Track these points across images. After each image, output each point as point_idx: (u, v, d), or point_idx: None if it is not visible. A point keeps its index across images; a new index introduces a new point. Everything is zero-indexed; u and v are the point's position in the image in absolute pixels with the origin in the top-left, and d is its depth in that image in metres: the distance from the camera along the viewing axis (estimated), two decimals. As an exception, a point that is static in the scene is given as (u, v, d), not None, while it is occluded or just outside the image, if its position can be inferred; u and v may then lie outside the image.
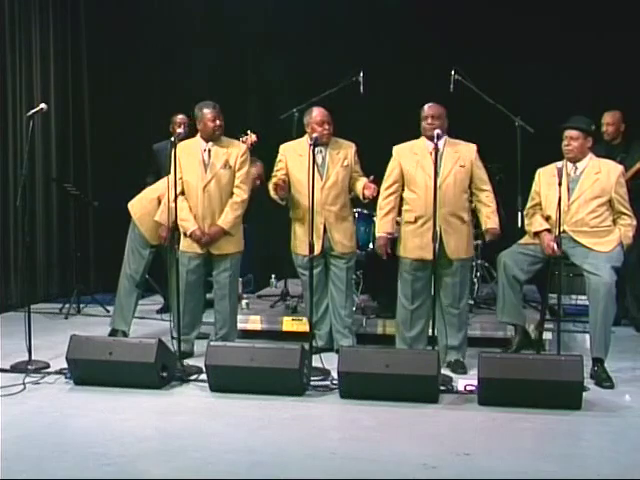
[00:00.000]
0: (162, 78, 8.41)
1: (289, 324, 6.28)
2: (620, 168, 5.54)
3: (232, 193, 5.75)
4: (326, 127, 5.72)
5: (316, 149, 5.65)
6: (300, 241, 5.76)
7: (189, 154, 5.68)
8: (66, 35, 8.33)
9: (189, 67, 8.50)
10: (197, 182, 5.65)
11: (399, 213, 5.59)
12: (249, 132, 6.83)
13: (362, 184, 5.79)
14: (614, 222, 5.46)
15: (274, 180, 5.82)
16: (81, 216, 7.95)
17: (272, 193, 5.81)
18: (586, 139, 5.48)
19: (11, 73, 7.64)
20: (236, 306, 6.04)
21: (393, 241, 5.62)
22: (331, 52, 7.96)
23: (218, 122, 5.69)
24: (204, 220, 5.70)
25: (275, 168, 5.87)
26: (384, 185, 5.57)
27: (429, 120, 5.39)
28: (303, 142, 5.81)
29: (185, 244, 5.71)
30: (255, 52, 8.50)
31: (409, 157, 5.47)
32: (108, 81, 8.46)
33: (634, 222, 5.49)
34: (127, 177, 7.95)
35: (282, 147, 5.92)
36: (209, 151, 5.71)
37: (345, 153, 5.79)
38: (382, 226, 5.54)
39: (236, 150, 5.77)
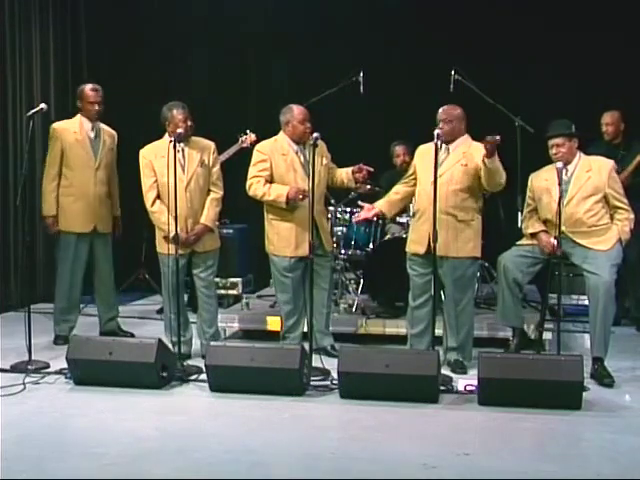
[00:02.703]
0: (162, 78, 8.40)
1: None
2: (611, 163, 5.54)
3: (209, 190, 5.78)
4: (308, 125, 5.65)
5: (297, 148, 5.68)
6: (288, 242, 5.68)
7: (162, 156, 5.56)
8: (66, 35, 8.33)
9: (189, 67, 8.50)
10: (178, 183, 5.54)
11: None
12: (248, 132, 6.84)
13: (346, 171, 5.80)
14: (611, 217, 5.47)
15: (265, 183, 5.65)
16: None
17: (273, 197, 5.62)
18: (571, 141, 5.49)
19: (11, 73, 7.65)
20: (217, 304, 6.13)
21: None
22: (331, 52, 7.96)
23: (189, 123, 5.69)
24: (187, 220, 5.68)
25: (258, 168, 5.67)
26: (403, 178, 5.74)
27: (440, 124, 5.39)
28: (281, 141, 5.72)
29: (166, 246, 5.64)
30: (255, 52, 8.50)
31: (424, 156, 5.49)
32: (108, 81, 8.43)
33: (631, 215, 5.48)
34: (126, 177, 7.94)
35: (261, 147, 5.76)
36: (183, 151, 5.70)
37: (321, 151, 5.68)
38: (380, 201, 5.75)
39: (208, 148, 5.81)
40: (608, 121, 6.77)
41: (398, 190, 5.71)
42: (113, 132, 6.46)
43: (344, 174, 5.83)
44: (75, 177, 6.20)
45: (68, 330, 6.25)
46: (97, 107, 6.23)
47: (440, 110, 5.45)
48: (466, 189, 5.39)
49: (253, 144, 6.54)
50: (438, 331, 5.47)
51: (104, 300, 6.47)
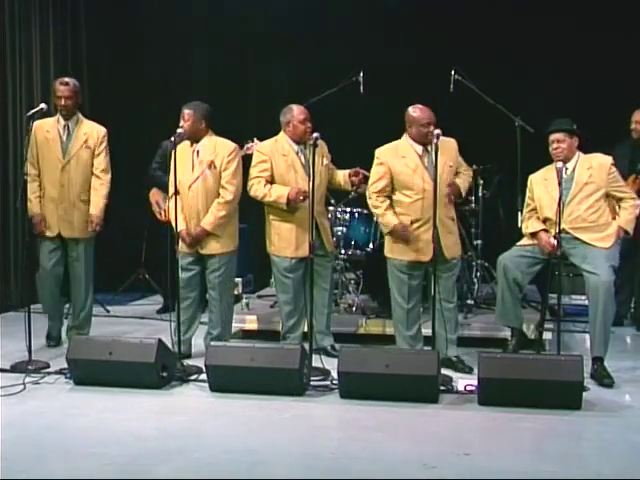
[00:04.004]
0: (162, 78, 8.40)
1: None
2: (609, 160, 5.55)
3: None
4: (308, 125, 5.65)
5: (298, 148, 5.69)
6: (288, 243, 5.69)
7: (183, 155, 5.63)
8: (66, 35, 8.33)
9: (189, 67, 8.50)
10: (185, 183, 5.63)
11: None
12: (255, 140, 6.76)
13: (343, 174, 5.83)
14: (618, 206, 5.50)
15: (269, 185, 5.66)
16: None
17: (274, 198, 5.63)
18: (572, 139, 5.51)
19: (11, 73, 7.65)
20: (230, 306, 5.98)
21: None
22: (331, 52, 7.96)
23: (186, 121, 5.66)
24: (190, 220, 5.69)
25: (258, 169, 5.69)
26: (373, 189, 5.45)
27: (431, 128, 5.28)
28: (281, 141, 5.73)
29: (179, 243, 5.65)
30: (255, 52, 8.49)
31: (397, 160, 5.40)
32: (108, 81, 8.46)
33: (637, 202, 5.55)
34: (126, 177, 7.94)
35: (261, 148, 5.77)
36: (197, 152, 5.71)
37: (322, 151, 5.68)
38: (391, 217, 5.38)
39: (224, 151, 5.72)
40: (638, 119, 6.59)
41: (388, 203, 5.44)
42: (99, 128, 6.12)
43: (342, 176, 5.86)
44: (45, 178, 5.99)
45: (57, 331, 6.22)
46: (63, 101, 5.92)
47: (422, 114, 5.35)
48: None
49: None
50: (426, 331, 5.44)
51: (74, 307, 6.27)
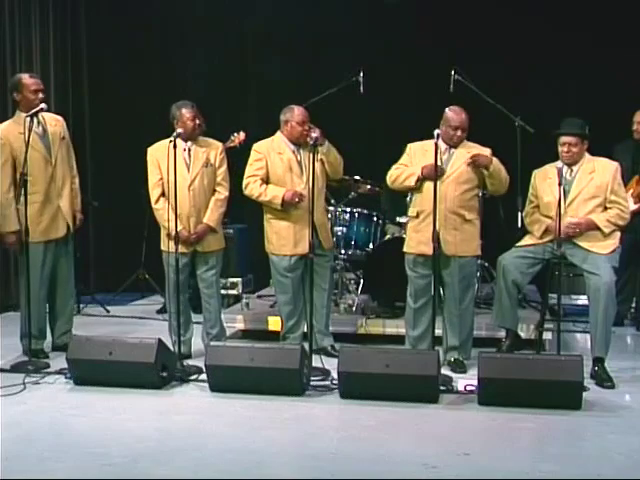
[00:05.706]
0: (162, 78, 8.40)
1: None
2: (615, 165, 5.53)
3: (214, 191, 5.76)
4: (306, 128, 5.65)
5: (294, 147, 5.70)
6: (287, 240, 5.69)
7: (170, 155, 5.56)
8: (66, 35, 8.33)
9: (189, 67, 8.50)
10: (182, 182, 5.60)
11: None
12: (241, 132, 6.77)
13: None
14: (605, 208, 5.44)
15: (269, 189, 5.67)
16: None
17: (269, 198, 5.63)
18: (584, 143, 5.48)
19: (11, 73, 7.63)
20: (220, 304, 6.05)
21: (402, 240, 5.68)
22: (331, 52, 7.96)
23: (197, 121, 5.70)
24: (190, 219, 5.68)
25: (254, 167, 5.71)
26: (394, 166, 5.58)
27: (459, 133, 5.39)
28: (278, 140, 5.75)
29: (168, 244, 5.62)
30: (255, 52, 8.50)
31: (419, 154, 5.50)
32: (108, 81, 8.46)
33: (625, 215, 5.43)
34: (127, 177, 7.95)
35: (258, 146, 5.78)
36: (189, 150, 5.72)
37: (317, 149, 5.66)
38: (413, 168, 5.46)
39: (215, 149, 5.80)
40: (639, 119, 6.60)
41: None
42: (58, 117, 5.90)
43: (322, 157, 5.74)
44: (37, 182, 5.59)
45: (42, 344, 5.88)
46: (42, 95, 5.63)
47: (455, 116, 5.39)
48: (472, 188, 5.45)
49: (242, 143, 6.52)
50: (438, 331, 5.47)
51: (61, 310, 6.01)
